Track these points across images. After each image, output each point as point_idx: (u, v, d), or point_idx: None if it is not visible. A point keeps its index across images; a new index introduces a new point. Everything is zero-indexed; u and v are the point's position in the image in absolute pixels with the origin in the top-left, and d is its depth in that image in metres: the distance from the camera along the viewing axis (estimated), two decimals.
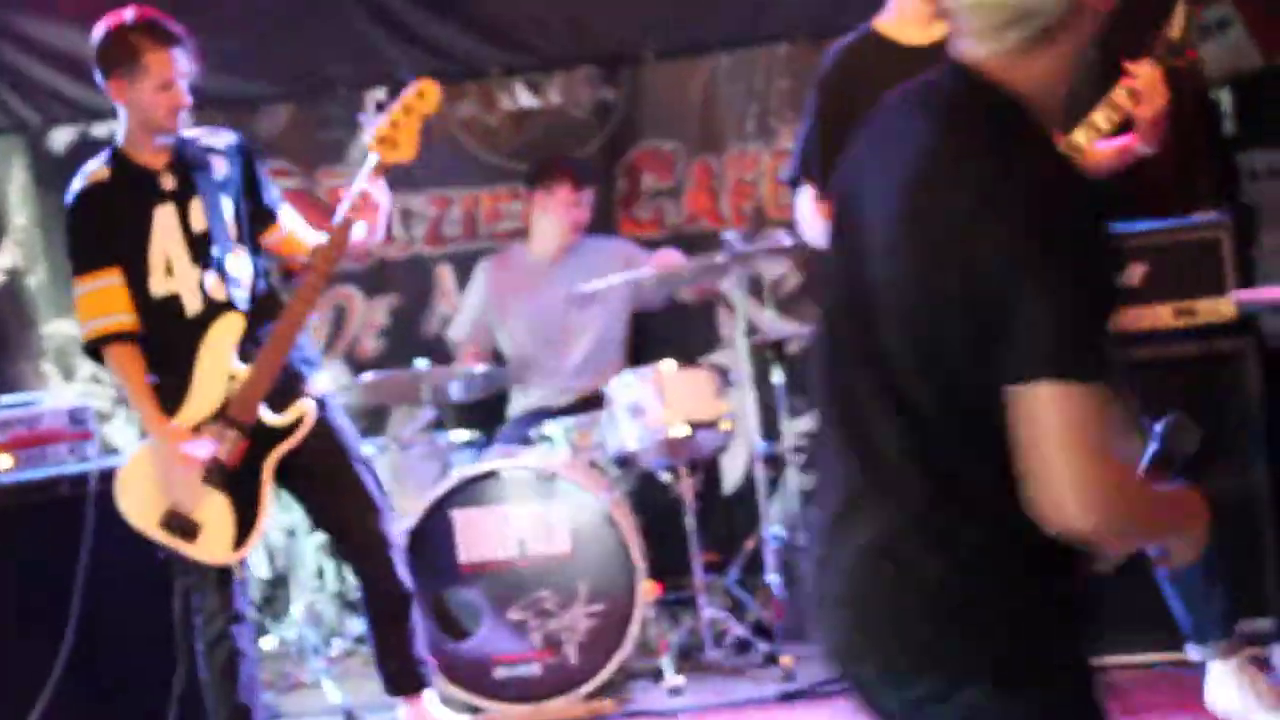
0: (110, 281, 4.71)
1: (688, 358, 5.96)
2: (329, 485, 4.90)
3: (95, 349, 4.79)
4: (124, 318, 4.72)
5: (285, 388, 4.77)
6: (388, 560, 4.92)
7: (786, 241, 5.71)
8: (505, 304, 6.47)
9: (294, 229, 4.99)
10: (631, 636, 5.36)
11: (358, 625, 6.19)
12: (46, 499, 5.51)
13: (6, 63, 6.83)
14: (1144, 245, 5.13)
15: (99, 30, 4.73)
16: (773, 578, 5.89)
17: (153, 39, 4.64)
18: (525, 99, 6.99)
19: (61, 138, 6.95)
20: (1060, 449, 2.10)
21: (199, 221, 4.74)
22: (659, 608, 5.69)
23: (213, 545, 4.71)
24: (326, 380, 5.01)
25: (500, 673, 5.45)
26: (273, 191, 5.00)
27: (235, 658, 4.78)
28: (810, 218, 4.64)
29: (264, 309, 4.81)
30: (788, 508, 6.33)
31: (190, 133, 4.86)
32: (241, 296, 4.77)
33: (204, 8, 6.64)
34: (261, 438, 4.74)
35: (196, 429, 4.70)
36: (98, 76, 4.73)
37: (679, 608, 6.05)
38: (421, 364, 6.13)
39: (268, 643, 6.34)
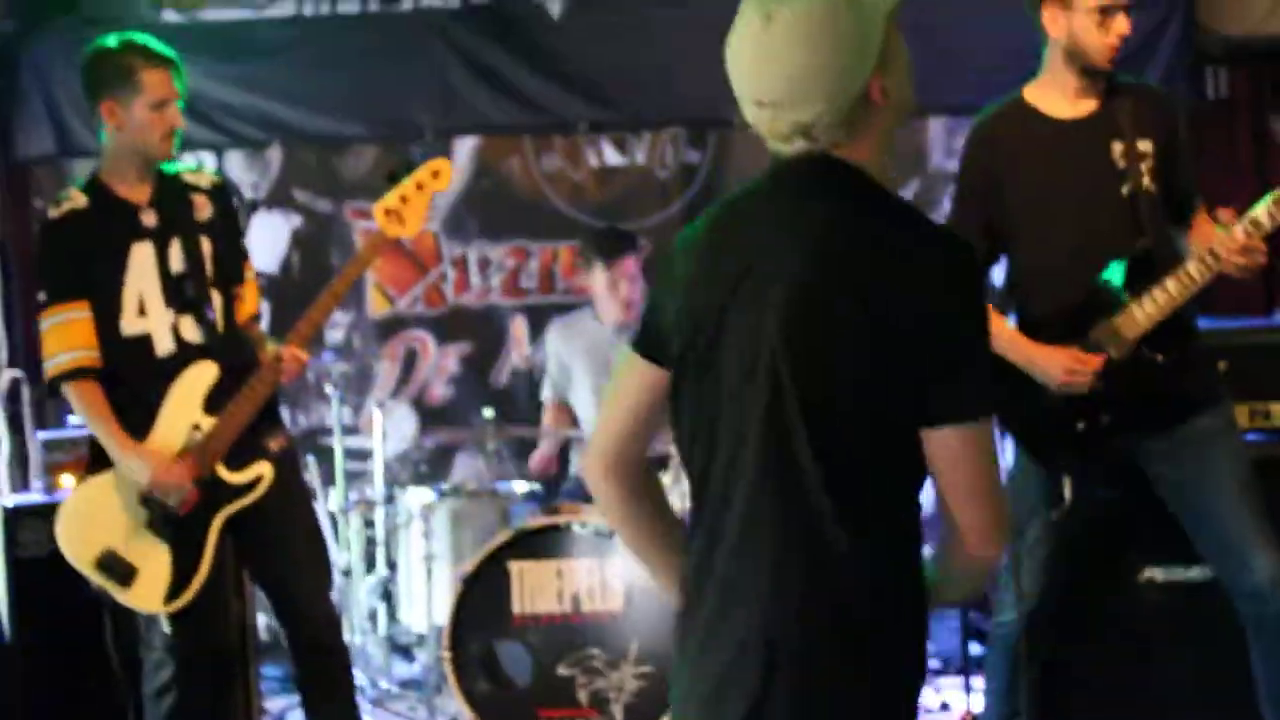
0: (78, 315, 4.49)
1: None
2: (275, 550, 4.69)
3: (56, 386, 4.52)
4: (88, 354, 4.49)
5: (247, 443, 4.56)
6: (326, 633, 4.73)
7: None
8: (572, 370, 6.46)
9: (247, 291, 4.76)
10: None
11: (406, 669, 6.19)
12: None
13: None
14: (1222, 344, 5.08)
15: (86, 55, 4.57)
16: None
17: (146, 57, 4.48)
18: (611, 156, 7.01)
19: None
20: (996, 479, 2.42)
21: (177, 262, 4.54)
22: None
23: (145, 594, 4.49)
24: (284, 437, 4.74)
25: None
26: (242, 246, 4.81)
27: (183, 707, 4.58)
28: None
29: (236, 359, 4.59)
30: None
31: (175, 168, 4.67)
32: (215, 343, 4.56)
33: (299, 45, 6.73)
34: (214, 492, 4.52)
35: None
36: (87, 102, 4.56)
37: None
38: (488, 414, 6.13)
39: None
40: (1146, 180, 4.35)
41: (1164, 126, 4.43)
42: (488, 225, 6.97)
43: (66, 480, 5.69)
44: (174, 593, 4.48)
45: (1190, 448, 4.39)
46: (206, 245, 4.60)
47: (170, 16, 6.89)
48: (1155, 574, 5.03)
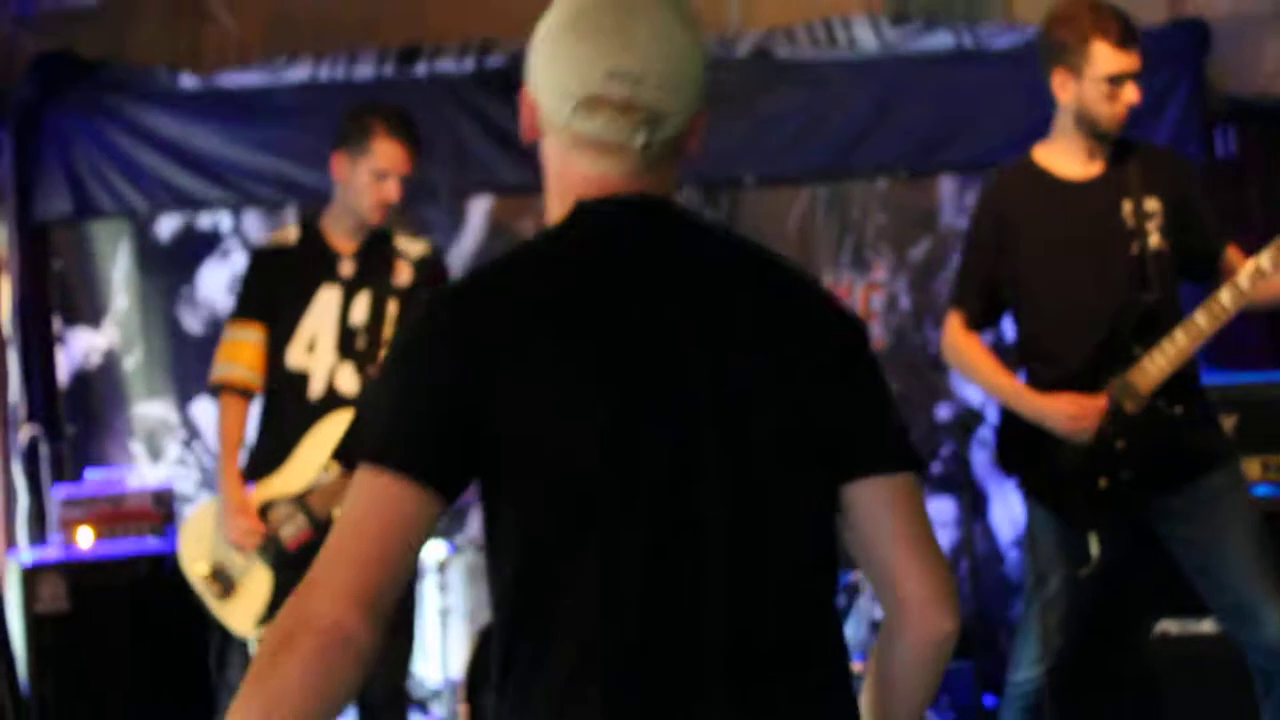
0: (249, 336, 4.78)
1: None
2: None
3: (215, 391, 4.85)
4: (245, 373, 4.77)
5: None
6: (382, 698, 4.83)
7: None
8: None
9: None
10: None
11: None
12: (124, 577, 5.57)
13: (118, 149, 6.94)
14: (1235, 397, 5.10)
15: (334, 112, 4.86)
16: None
17: (388, 127, 4.70)
18: None
19: (167, 226, 7.03)
20: (935, 537, 2.15)
21: (359, 315, 4.77)
22: None
23: (239, 613, 4.72)
24: None
25: None
26: None
27: None
28: (951, 345, 4.63)
29: None
30: (859, 636, 6.28)
31: (391, 230, 4.89)
32: None
33: (315, 109, 6.78)
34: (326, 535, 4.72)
35: (270, 504, 4.72)
36: (337, 148, 4.80)
37: None
38: None
39: None
40: (1155, 239, 4.40)
41: (1172, 185, 4.47)
42: None
43: (84, 535, 5.72)
44: (265, 619, 4.68)
45: (1203, 506, 4.40)
46: (393, 308, 4.78)
47: (188, 82, 6.95)
48: (1169, 627, 5.04)
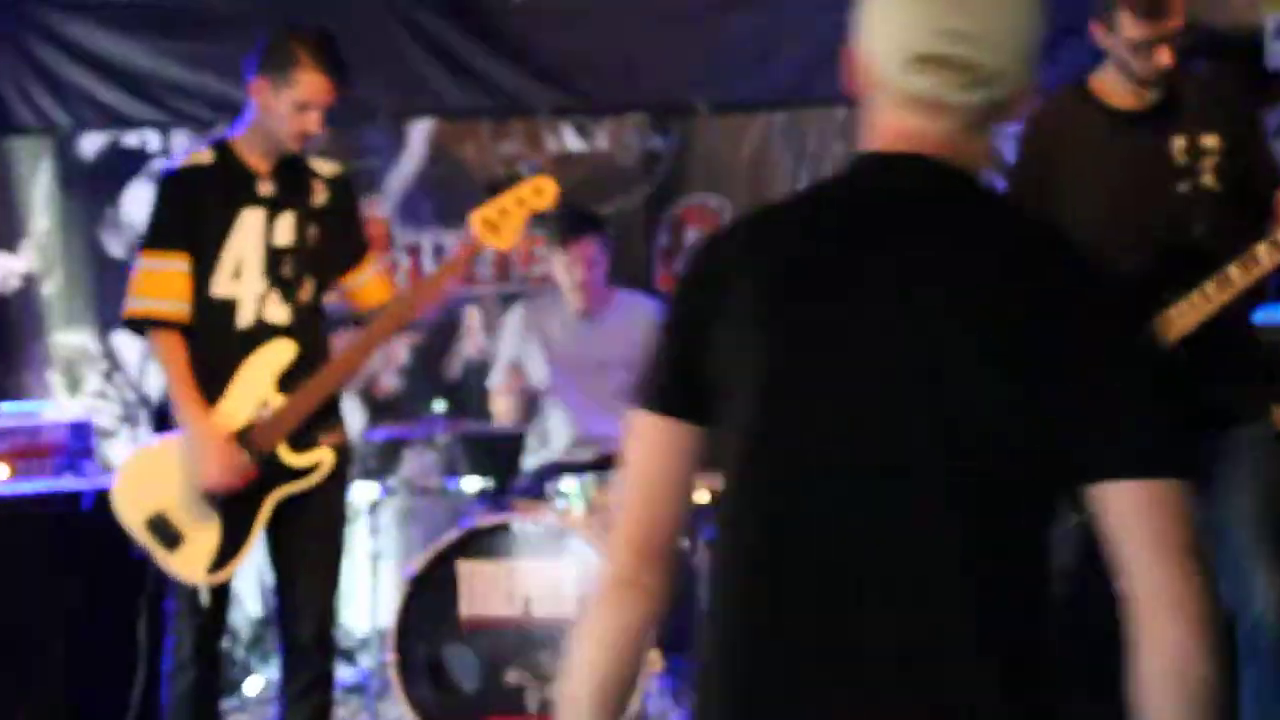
0: (176, 266, 4.55)
1: None
2: (305, 546, 4.69)
3: (138, 324, 4.64)
4: (177, 306, 4.54)
5: (312, 430, 4.61)
6: (314, 635, 4.71)
7: None
8: (534, 353, 6.24)
9: (371, 280, 4.85)
10: (631, 709, 5.14)
11: (348, 673, 6.02)
12: (40, 514, 5.41)
13: (40, 62, 6.72)
14: None
15: (271, 30, 4.65)
16: None
17: (312, 57, 4.51)
18: (572, 142, 6.82)
19: (91, 143, 6.83)
20: (1187, 543, 1.94)
21: (283, 236, 4.61)
22: (663, 681, 5.48)
23: (190, 562, 4.53)
24: (340, 434, 4.76)
25: None
26: (362, 237, 4.87)
27: (200, 686, 4.60)
28: None
29: (313, 345, 4.64)
30: None
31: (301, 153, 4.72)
32: (297, 326, 4.61)
33: (251, 24, 6.52)
34: (272, 472, 4.57)
35: None
36: (247, 68, 4.59)
37: (685, 682, 5.83)
38: (439, 407, 5.93)
39: (253, 685, 6.15)
40: (1209, 178, 4.24)
41: (1234, 121, 4.30)
42: (442, 212, 6.79)
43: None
44: (217, 565, 4.55)
45: (1223, 458, 4.26)
46: (313, 230, 4.66)
47: None
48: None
